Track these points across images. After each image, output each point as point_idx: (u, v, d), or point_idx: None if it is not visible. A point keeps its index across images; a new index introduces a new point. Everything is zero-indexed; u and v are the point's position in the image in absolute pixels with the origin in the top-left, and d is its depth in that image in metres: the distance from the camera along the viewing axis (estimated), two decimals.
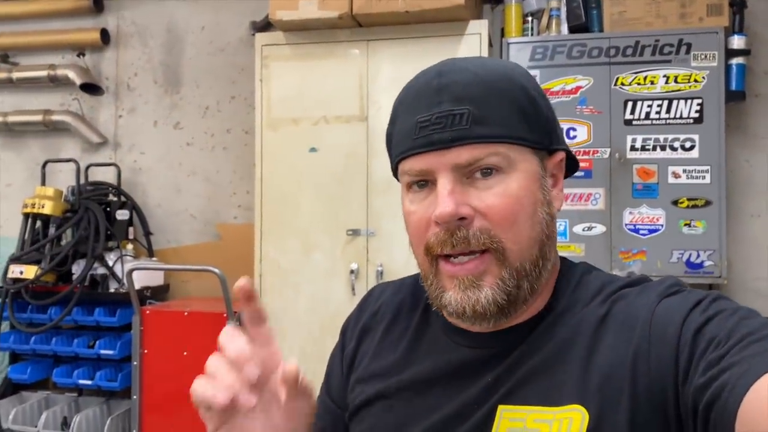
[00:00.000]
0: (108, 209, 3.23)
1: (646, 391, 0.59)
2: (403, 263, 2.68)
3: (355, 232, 2.73)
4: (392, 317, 0.80)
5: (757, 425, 0.47)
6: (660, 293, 0.65)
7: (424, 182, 0.67)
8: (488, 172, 0.65)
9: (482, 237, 0.64)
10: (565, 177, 0.78)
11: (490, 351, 0.69)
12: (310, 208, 2.79)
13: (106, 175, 3.49)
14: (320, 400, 0.85)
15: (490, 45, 2.80)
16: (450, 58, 0.70)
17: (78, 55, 3.56)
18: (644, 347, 0.61)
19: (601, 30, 2.78)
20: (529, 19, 2.84)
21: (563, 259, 0.75)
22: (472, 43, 2.66)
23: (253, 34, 3.07)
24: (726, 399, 0.50)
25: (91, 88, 3.51)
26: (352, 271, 2.72)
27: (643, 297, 0.65)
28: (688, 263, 2.63)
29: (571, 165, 0.76)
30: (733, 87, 2.70)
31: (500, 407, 0.65)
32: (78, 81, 3.46)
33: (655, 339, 0.61)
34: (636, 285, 0.68)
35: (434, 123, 0.65)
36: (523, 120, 0.66)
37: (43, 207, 3.10)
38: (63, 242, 3.12)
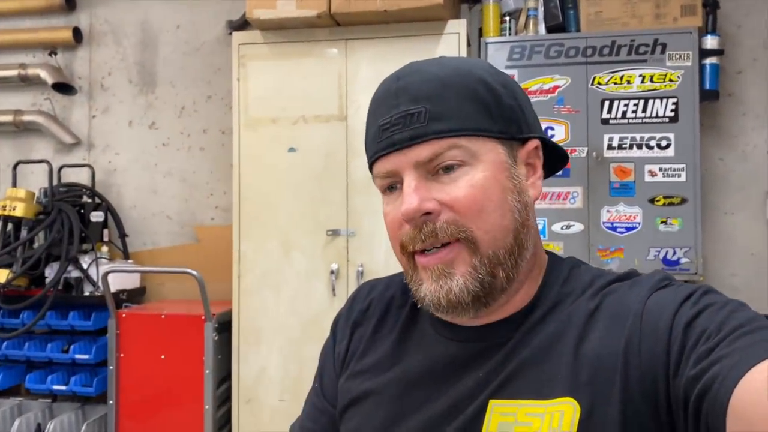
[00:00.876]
0: (82, 211, 3.17)
1: (637, 384, 0.59)
2: (383, 263, 2.67)
3: (335, 233, 2.72)
4: (382, 314, 0.80)
5: (748, 416, 0.47)
6: (651, 287, 0.65)
7: (395, 184, 0.69)
8: (450, 167, 0.66)
9: (449, 228, 0.65)
10: (558, 169, 0.78)
11: (480, 345, 0.69)
12: (289, 208, 2.77)
13: (80, 177, 3.42)
14: (313, 402, 0.84)
15: (469, 45, 2.80)
16: (410, 62, 0.71)
17: (50, 54, 3.49)
18: (635, 340, 0.61)
19: (578, 30, 2.81)
20: (507, 18, 2.86)
21: (551, 254, 0.75)
22: (451, 42, 2.66)
23: (230, 33, 3.04)
24: (717, 390, 0.51)
25: (64, 87, 3.44)
26: (332, 272, 2.70)
27: (634, 290, 0.66)
28: (665, 260, 2.66)
29: (557, 156, 0.76)
30: (707, 86, 2.74)
31: (491, 402, 0.65)
32: (50, 80, 3.39)
33: (646, 332, 0.61)
34: (626, 279, 0.69)
35: (394, 124, 0.67)
36: (482, 111, 0.67)
37: (14, 209, 3.02)
38: (36, 245, 3.04)
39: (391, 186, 0.70)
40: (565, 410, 0.61)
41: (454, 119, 0.65)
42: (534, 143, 0.71)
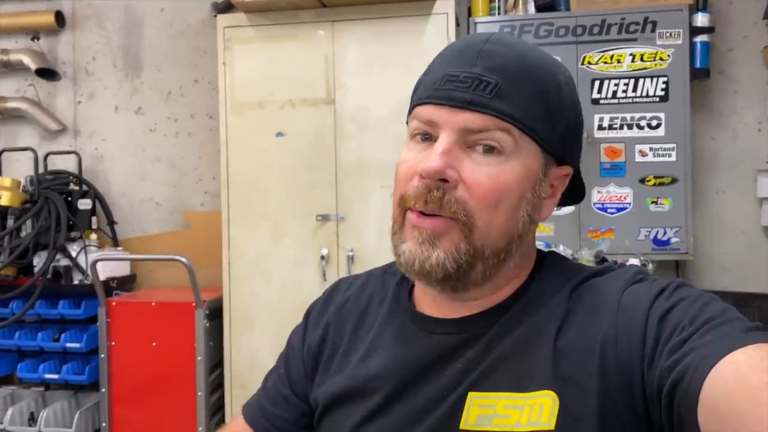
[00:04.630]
0: (69, 199, 3.13)
1: (614, 376, 0.60)
2: (374, 247, 2.66)
3: (324, 218, 2.70)
4: (362, 311, 0.80)
5: (717, 406, 0.48)
6: (626, 281, 0.66)
7: (428, 136, 0.67)
8: (489, 149, 0.64)
9: (455, 205, 0.64)
10: (571, 203, 0.77)
11: (460, 337, 0.69)
12: (278, 193, 2.75)
13: (67, 164, 3.38)
14: (276, 385, 0.83)
15: (457, 25, 2.76)
16: (505, 33, 0.70)
17: (32, 39, 3.42)
18: (612, 333, 0.62)
19: (567, 9, 2.77)
20: None
21: (538, 251, 0.75)
22: (439, 22, 2.62)
23: (215, 16, 2.98)
24: (689, 381, 0.52)
25: (48, 73, 3.38)
26: (322, 257, 2.69)
27: (609, 285, 0.66)
28: (656, 240, 2.66)
29: (576, 191, 0.76)
30: (698, 65, 2.72)
31: (470, 394, 0.65)
32: (33, 66, 3.33)
33: (622, 325, 0.62)
34: (602, 274, 0.70)
35: (461, 81, 0.65)
36: (545, 115, 0.66)
37: (0, 198, 2.99)
38: (23, 234, 3.01)
39: (423, 135, 0.67)
40: (544, 403, 0.61)
41: (517, 107, 0.64)
42: (567, 170, 0.71)
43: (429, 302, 0.73)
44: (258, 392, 0.86)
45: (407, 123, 0.72)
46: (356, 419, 0.71)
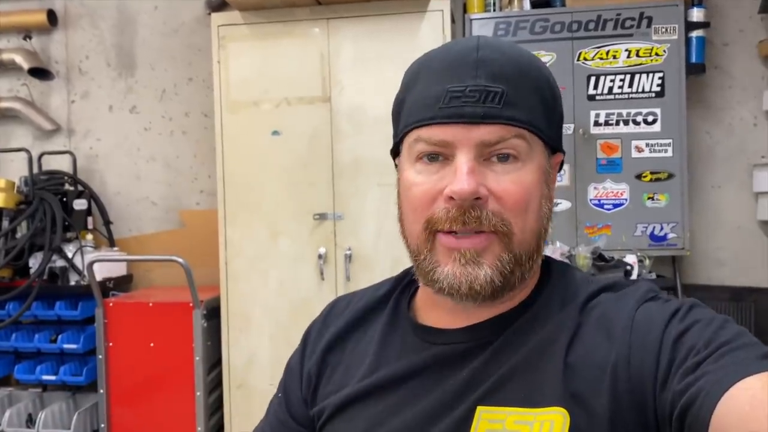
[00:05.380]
0: (65, 199, 3.11)
1: (626, 396, 0.59)
2: (371, 246, 2.65)
3: (321, 216, 2.70)
4: (361, 327, 0.79)
5: (729, 430, 0.48)
6: (638, 299, 0.65)
7: (436, 155, 0.65)
8: (505, 157, 0.64)
9: (494, 219, 0.64)
10: None
11: (464, 345, 0.68)
12: (274, 192, 2.74)
13: (61, 164, 3.36)
14: (275, 412, 0.82)
15: (453, 21, 2.75)
16: (481, 35, 0.69)
17: (24, 38, 3.39)
18: (624, 352, 0.61)
19: (563, 4, 2.77)
20: None
21: (545, 257, 0.75)
22: (434, 19, 2.61)
23: (209, 14, 2.96)
24: (701, 405, 0.51)
25: (41, 72, 3.36)
26: (320, 256, 2.69)
27: (621, 302, 0.66)
28: (652, 236, 2.67)
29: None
30: (693, 60, 2.73)
31: (479, 408, 0.64)
32: (26, 65, 3.31)
33: (635, 345, 0.61)
34: (613, 289, 0.69)
35: (467, 96, 0.63)
36: (544, 111, 0.67)
37: None
38: (18, 235, 3.00)
39: (431, 155, 0.65)
40: (555, 419, 0.60)
41: (525, 110, 0.64)
42: (560, 157, 0.72)
43: (441, 314, 0.72)
44: (261, 420, 0.85)
45: (398, 142, 0.70)
46: (361, 429, 0.70)
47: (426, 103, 0.66)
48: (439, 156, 0.66)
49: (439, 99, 0.64)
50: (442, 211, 0.64)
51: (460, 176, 0.63)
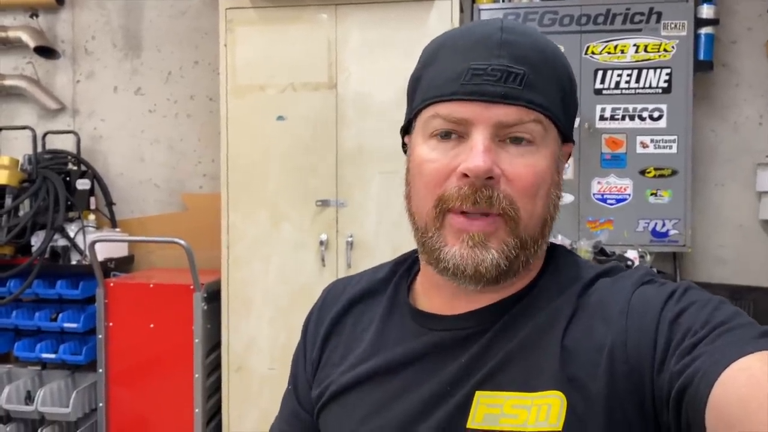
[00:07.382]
0: (68, 179, 3.11)
1: (623, 378, 0.59)
2: (373, 234, 2.66)
3: (324, 203, 2.70)
4: (359, 312, 0.79)
5: (726, 411, 0.48)
6: (634, 282, 0.65)
7: (450, 133, 0.65)
8: (521, 140, 0.64)
9: (504, 201, 0.64)
10: None
11: (463, 332, 0.68)
12: (277, 178, 2.74)
13: (65, 143, 3.36)
14: (288, 404, 0.84)
15: (461, 10, 2.74)
16: (505, 18, 0.71)
17: (31, 16, 3.38)
18: (621, 335, 0.61)
19: None
20: None
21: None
22: (443, 8, 2.60)
23: None
24: (698, 385, 0.51)
25: (46, 51, 3.35)
26: (321, 242, 2.69)
27: (617, 286, 0.66)
28: (654, 232, 2.67)
29: None
30: (701, 57, 2.72)
31: (477, 393, 0.64)
32: (32, 44, 3.30)
33: (632, 328, 0.61)
34: (610, 273, 0.69)
35: (489, 74, 0.63)
36: (561, 99, 0.67)
37: None
38: (20, 213, 3.00)
39: (447, 133, 0.65)
40: (552, 403, 0.61)
41: (544, 95, 0.65)
42: (571, 147, 0.73)
43: (441, 299, 0.72)
44: (276, 417, 0.86)
45: (412, 118, 0.70)
46: (360, 415, 0.71)
47: (446, 78, 0.65)
48: (453, 134, 0.65)
49: (460, 75, 0.64)
50: (453, 189, 0.64)
51: (476, 153, 0.63)
